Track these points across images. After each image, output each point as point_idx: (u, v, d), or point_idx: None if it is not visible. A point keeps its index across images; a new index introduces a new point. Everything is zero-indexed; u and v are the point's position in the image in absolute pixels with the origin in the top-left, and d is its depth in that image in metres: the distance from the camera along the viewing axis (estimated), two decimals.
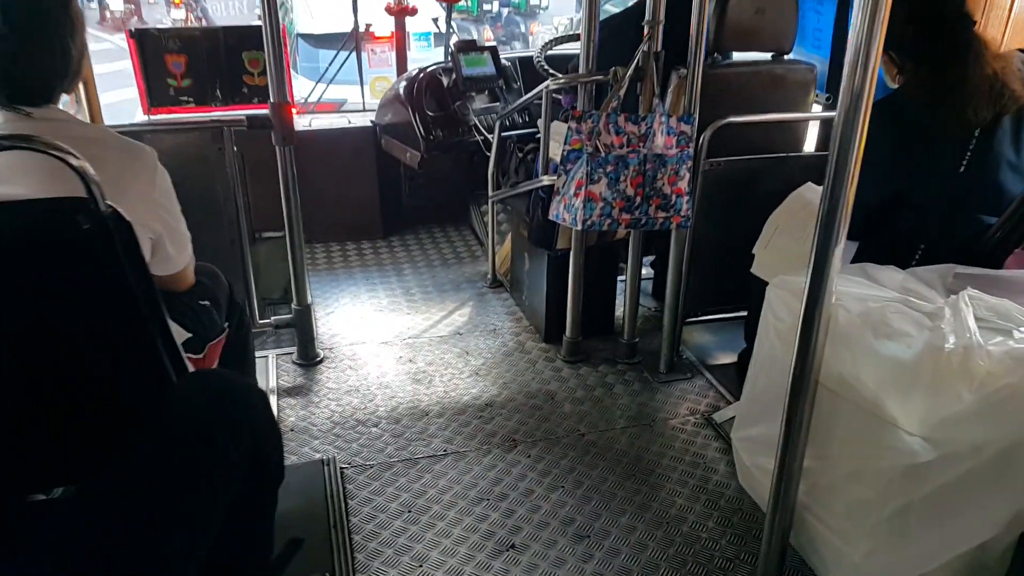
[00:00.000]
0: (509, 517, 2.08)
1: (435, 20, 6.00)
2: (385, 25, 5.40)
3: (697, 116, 2.37)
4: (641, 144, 2.30)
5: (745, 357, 2.45)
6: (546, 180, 2.61)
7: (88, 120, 3.15)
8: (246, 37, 3.50)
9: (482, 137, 3.54)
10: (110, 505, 1.18)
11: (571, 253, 2.71)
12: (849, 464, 1.67)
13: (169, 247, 1.57)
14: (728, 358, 2.84)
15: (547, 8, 13.84)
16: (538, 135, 2.78)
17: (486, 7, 13.15)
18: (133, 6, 15.81)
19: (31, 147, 1.09)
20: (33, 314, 1.16)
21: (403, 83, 3.67)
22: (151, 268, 1.50)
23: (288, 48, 6.87)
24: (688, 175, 2.34)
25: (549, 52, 3.17)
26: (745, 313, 2.68)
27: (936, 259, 1.89)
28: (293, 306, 2.77)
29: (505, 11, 13.87)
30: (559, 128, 2.51)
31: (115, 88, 6.12)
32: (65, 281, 1.16)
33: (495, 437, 2.42)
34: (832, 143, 1.37)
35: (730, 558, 1.94)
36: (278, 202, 2.59)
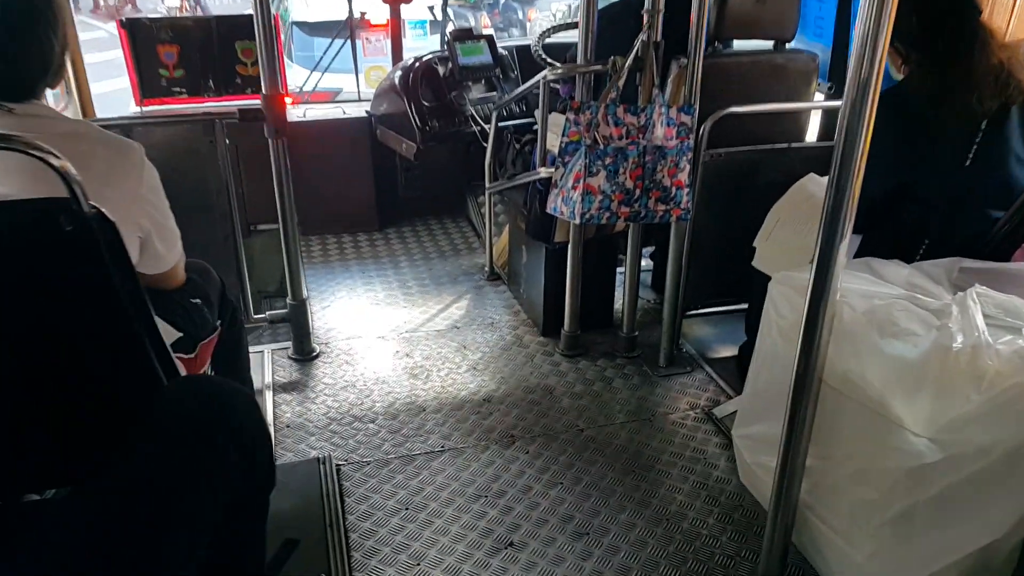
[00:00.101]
0: (507, 514, 2.05)
1: (431, 8, 5.95)
2: (380, 13, 5.34)
3: (697, 106, 2.33)
4: (640, 135, 2.26)
5: (746, 350, 2.43)
6: (544, 172, 2.57)
7: (80, 112, 3.11)
8: (239, 26, 3.46)
9: (479, 127, 3.51)
10: (110, 505, 1.17)
11: (569, 246, 2.68)
12: (853, 464, 1.65)
13: (158, 244, 1.53)
14: (729, 351, 2.82)
15: None
16: (535, 126, 2.74)
17: None
18: None
19: (10, 147, 1.06)
20: (19, 316, 1.14)
21: (398, 72, 3.63)
22: (140, 266, 1.49)
23: (283, 36, 6.82)
24: (688, 167, 2.30)
25: (547, 40, 3.12)
26: (746, 306, 2.66)
27: (941, 253, 1.87)
28: (288, 301, 2.74)
29: None
30: (557, 119, 2.47)
31: (109, 78, 6.06)
32: (49, 283, 1.14)
33: (493, 433, 2.40)
34: (838, 135, 1.34)
35: (731, 555, 1.92)
36: (273, 194, 2.55)
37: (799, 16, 2.59)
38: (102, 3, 15.00)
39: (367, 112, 3.87)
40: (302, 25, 6.98)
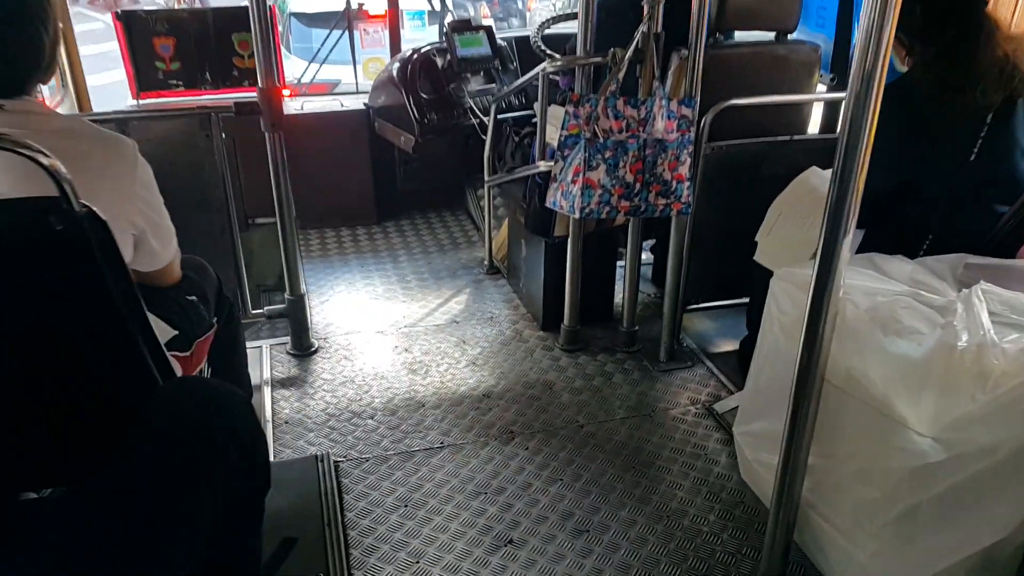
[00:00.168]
0: (507, 511, 2.04)
1: None
2: (378, 3, 5.30)
3: (698, 99, 2.31)
4: (641, 129, 2.24)
5: (747, 345, 2.41)
6: (543, 166, 2.55)
7: (76, 105, 3.08)
8: (235, 18, 3.43)
9: (478, 120, 3.48)
10: (109, 504, 1.17)
11: (569, 239, 2.66)
12: (856, 463, 1.63)
13: (153, 242, 1.51)
14: (730, 346, 2.80)
15: None
16: (535, 118, 2.72)
17: None
18: None
19: (0, 146, 1.04)
20: (15, 315, 1.12)
21: (396, 64, 3.59)
22: (135, 264, 1.47)
23: (280, 27, 6.78)
24: (689, 160, 2.28)
25: (546, 32, 3.09)
26: (747, 300, 2.64)
27: (945, 248, 1.84)
28: (286, 296, 2.73)
29: None
30: (556, 112, 2.44)
31: (106, 70, 6.03)
32: (43, 282, 1.12)
33: (492, 429, 2.39)
34: (842, 128, 1.31)
35: (732, 552, 1.91)
36: (271, 187, 2.53)
37: (801, 7, 2.56)
38: None
39: (365, 104, 3.84)
40: (300, 16, 6.95)
